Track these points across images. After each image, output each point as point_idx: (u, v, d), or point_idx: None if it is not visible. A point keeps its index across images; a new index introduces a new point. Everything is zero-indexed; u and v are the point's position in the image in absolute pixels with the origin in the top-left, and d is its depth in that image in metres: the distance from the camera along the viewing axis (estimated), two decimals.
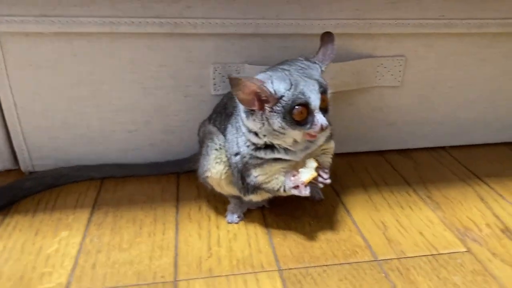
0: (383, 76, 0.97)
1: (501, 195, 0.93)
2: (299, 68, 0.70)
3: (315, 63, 0.72)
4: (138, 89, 0.92)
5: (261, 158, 0.73)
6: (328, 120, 0.68)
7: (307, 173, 0.72)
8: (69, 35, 0.84)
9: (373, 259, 0.75)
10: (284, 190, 0.75)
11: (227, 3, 0.85)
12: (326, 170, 0.75)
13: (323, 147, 0.77)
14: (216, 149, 0.78)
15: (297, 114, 0.67)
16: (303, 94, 0.66)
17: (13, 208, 0.87)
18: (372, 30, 0.91)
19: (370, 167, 1.03)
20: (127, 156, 0.99)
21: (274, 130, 0.69)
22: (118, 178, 0.97)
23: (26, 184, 0.91)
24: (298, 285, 0.69)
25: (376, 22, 0.90)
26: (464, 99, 1.06)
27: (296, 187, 0.73)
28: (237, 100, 0.69)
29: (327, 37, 0.75)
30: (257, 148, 0.73)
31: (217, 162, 0.78)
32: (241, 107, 0.72)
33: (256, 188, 0.77)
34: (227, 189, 0.82)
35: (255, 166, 0.74)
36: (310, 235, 0.80)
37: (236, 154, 0.75)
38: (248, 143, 0.73)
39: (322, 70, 0.72)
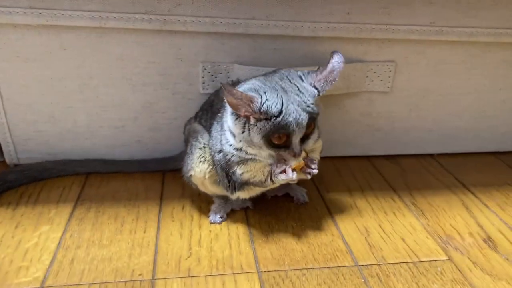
0: (373, 81, 0.97)
1: (485, 205, 0.93)
2: (297, 90, 0.68)
3: (314, 87, 0.70)
4: (126, 85, 0.92)
5: (243, 157, 0.73)
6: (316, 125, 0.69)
7: (294, 161, 0.71)
8: (58, 28, 0.84)
9: (353, 264, 0.75)
10: (271, 180, 0.73)
11: (217, 2, 0.84)
12: (315, 161, 0.74)
13: (312, 146, 0.77)
14: (200, 148, 0.78)
15: (277, 138, 0.68)
16: (288, 126, 0.66)
17: None
18: (363, 35, 0.91)
19: (356, 172, 1.03)
20: (114, 152, 0.98)
21: (253, 142, 0.69)
22: (103, 173, 0.97)
23: (9, 177, 0.90)
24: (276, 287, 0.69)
25: (367, 27, 0.90)
26: (453, 108, 1.06)
27: (283, 171, 0.71)
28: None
29: (336, 61, 0.71)
30: (237, 148, 0.73)
31: (200, 161, 0.78)
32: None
33: (243, 185, 0.76)
34: (211, 189, 0.82)
35: (238, 163, 0.74)
36: (292, 238, 0.80)
37: (220, 151, 0.75)
38: (229, 143, 0.73)
39: (319, 95, 0.70)
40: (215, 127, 0.77)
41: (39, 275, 0.69)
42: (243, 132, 0.69)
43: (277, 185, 0.76)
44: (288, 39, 0.90)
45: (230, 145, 0.73)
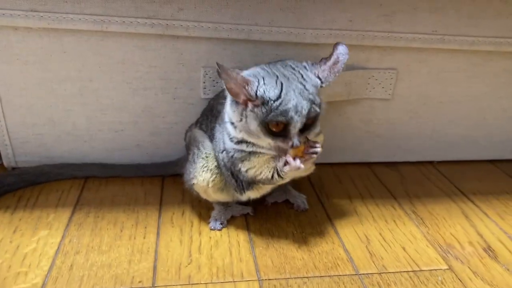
0: (374, 88, 0.97)
1: (485, 213, 0.93)
2: (300, 78, 0.67)
3: (318, 77, 0.69)
4: (127, 89, 0.91)
5: (244, 151, 0.72)
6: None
7: (292, 151, 0.70)
8: (59, 31, 0.83)
9: (354, 273, 0.74)
10: (278, 175, 0.72)
11: (220, 8, 0.84)
12: (317, 142, 0.71)
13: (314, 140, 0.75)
14: (203, 158, 0.78)
15: (274, 126, 0.66)
16: (286, 113, 0.65)
17: None
18: (365, 42, 0.91)
19: (356, 179, 1.03)
20: (113, 156, 0.97)
21: (250, 129, 0.69)
22: (102, 178, 0.96)
23: (7, 180, 0.89)
24: None
25: (369, 34, 0.90)
26: (454, 115, 1.06)
27: (286, 163, 0.70)
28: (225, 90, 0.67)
29: (340, 53, 0.70)
30: (238, 141, 0.72)
31: (203, 171, 0.77)
32: (229, 95, 0.70)
33: (251, 183, 0.76)
34: (214, 196, 0.81)
35: (242, 160, 0.73)
36: (293, 246, 0.80)
37: (223, 151, 0.75)
38: (230, 136, 0.73)
39: (322, 86, 0.69)
40: (218, 129, 0.77)
41: (38, 281, 0.69)
42: (241, 120, 0.69)
43: (287, 179, 0.75)
44: (290, 46, 0.90)
45: (231, 139, 0.73)
